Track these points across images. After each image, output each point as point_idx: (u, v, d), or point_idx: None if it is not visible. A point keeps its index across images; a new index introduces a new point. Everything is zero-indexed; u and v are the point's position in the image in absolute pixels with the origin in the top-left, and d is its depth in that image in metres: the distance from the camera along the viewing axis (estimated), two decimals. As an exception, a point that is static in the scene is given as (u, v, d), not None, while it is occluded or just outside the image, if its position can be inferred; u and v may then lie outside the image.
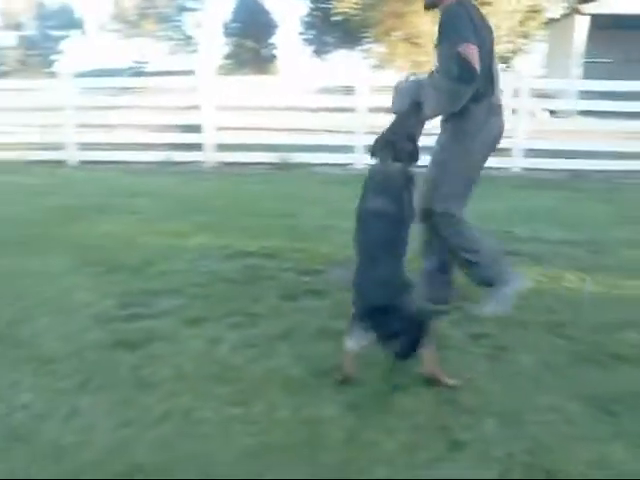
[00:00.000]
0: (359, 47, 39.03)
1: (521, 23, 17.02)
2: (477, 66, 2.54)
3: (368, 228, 2.39)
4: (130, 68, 30.21)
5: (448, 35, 2.69)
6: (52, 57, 37.61)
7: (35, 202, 5.74)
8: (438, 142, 2.93)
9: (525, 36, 18.13)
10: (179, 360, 2.45)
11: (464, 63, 2.55)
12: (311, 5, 38.34)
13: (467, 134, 2.79)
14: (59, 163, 8.72)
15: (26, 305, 3.04)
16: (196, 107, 9.42)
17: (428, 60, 21.01)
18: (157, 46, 44.34)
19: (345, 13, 34.61)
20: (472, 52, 2.55)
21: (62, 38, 41.27)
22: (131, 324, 2.80)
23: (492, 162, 3.10)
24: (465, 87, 2.59)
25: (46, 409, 2.10)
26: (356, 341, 2.23)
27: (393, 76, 11.84)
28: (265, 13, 43.35)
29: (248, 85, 12.52)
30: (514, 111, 8.09)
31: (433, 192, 2.83)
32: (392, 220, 2.34)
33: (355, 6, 33.82)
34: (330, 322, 2.83)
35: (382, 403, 2.17)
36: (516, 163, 8.11)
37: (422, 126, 2.60)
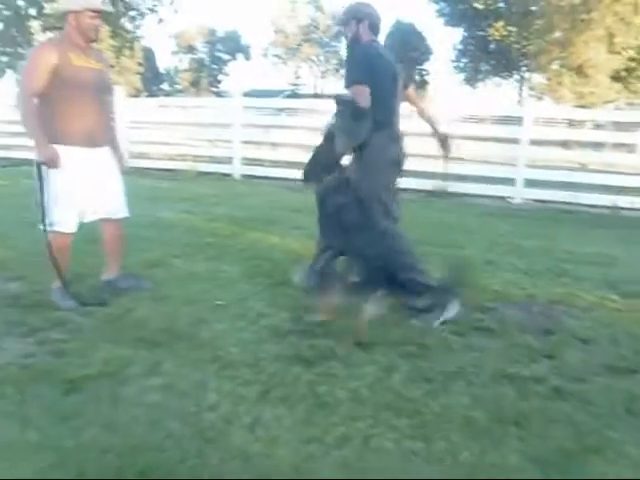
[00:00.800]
0: (514, 76, 38.03)
1: None
2: (366, 104, 2.96)
3: None
4: (286, 90, 31.89)
5: (347, 73, 3.17)
6: (219, 78, 41.17)
7: (206, 210, 6.18)
8: (350, 168, 3.22)
9: None
10: (355, 384, 2.43)
11: (354, 103, 2.98)
12: (465, 33, 38.03)
13: (369, 160, 3.14)
14: (225, 176, 9.36)
15: (201, 308, 3.21)
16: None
17: (594, 92, 19.89)
18: (313, 70, 46.40)
19: (502, 41, 33.90)
20: (362, 92, 2.98)
21: (229, 61, 44.93)
22: (305, 340, 2.84)
23: None
24: (358, 124, 2.98)
25: (231, 414, 2.18)
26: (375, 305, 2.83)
27: (553, 107, 11.09)
28: (420, 39, 43.62)
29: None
30: None
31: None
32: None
33: (514, 34, 32.98)
34: (506, 365, 2.67)
35: (572, 462, 1.98)
36: None
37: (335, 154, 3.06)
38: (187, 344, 2.73)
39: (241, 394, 2.32)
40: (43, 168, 3.01)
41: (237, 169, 9.58)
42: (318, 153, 3.17)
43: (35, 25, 22.38)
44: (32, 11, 22.30)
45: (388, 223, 3.20)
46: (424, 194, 8.17)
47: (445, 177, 8.17)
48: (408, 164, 8.57)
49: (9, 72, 23.30)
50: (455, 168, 8.65)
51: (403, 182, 8.17)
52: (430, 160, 8.84)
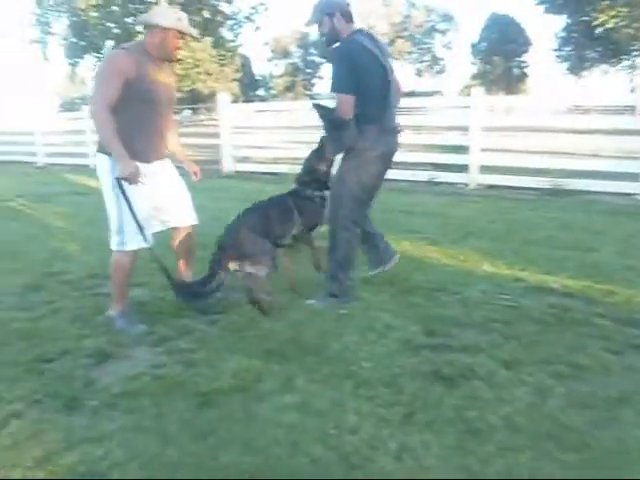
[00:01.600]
0: (624, 62, 35.30)
1: None
2: (348, 114, 2.99)
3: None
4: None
5: (332, 79, 3.09)
6: (313, 81, 41.77)
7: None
8: (341, 159, 3.27)
9: None
10: (506, 409, 2.17)
11: (334, 116, 3.04)
12: (569, 20, 35.79)
13: (359, 151, 3.12)
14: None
15: (325, 318, 3.06)
16: (459, 128, 9.27)
17: None
18: (405, 68, 45.74)
19: (611, 26, 31.54)
20: (344, 103, 2.99)
21: (322, 64, 45.36)
22: (441, 355, 2.62)
23: None
24: (343, 133, 3.06)
25: (375, 438, 2.00)
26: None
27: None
28: (518, 31, 41.70)
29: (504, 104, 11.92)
30: None
31: (335, 201, 3.25)
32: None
33: (625, 17, 30.56)
34: (681, 391, 2.29)
35: None
36: None
37: (325, 161, 3.40)
38: (317, 357, 2.59)
39: (382, 416, 2.14)
40: (122, 184, 2.84)
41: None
42: (309, 162, 3.44)
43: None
44: (140, 28, 23.61)
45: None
46: (539, 192, 7.62)
47: (562, 174, 7.63)
48: (520, 161, 8.27)
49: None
50: (571, 164, 8.07)
51: (519, 180, 7.92)
52: (545, 157, 8.39)
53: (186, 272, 3.45)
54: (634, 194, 7.36)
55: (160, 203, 3.16)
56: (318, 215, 3.40)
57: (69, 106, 39.66)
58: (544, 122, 9.09)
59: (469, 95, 8.69)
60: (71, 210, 6.90)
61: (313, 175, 3.40)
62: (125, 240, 2.96)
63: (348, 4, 3.22)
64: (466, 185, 8.29)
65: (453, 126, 9.42)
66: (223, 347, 2.70)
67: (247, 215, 3.30)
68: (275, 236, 3.26)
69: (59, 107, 40.45)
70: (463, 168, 8.39)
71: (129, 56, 2.89)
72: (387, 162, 3.28)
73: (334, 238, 3.30)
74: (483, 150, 8.21)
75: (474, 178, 8.23)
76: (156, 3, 22.18)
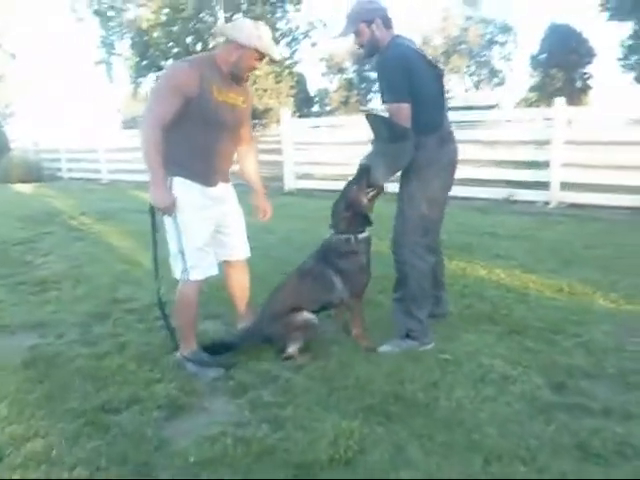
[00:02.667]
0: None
1: None
2: (407, 124, 2.61)
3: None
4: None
5: (382, 89, 2.73)
6: (368, 97, 41.48)
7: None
8: (400, 178, 2.86)
9: None
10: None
11: (394, 125, 2.62)
12: (636, 26, 34.11)
13: (422, 165, 2.74)
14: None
15: (426, 365, 2.62)
16: (536, 142, 8.65)
17: None
18: (462, 81, 44.87)
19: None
20: (402, 112, 2.62)
21: (377, 80, 45.09)
22: (581, 421, 2.12)
23: None
24: (402, 144, 2.63)
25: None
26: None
27: None
28: (579, 41, 40.14)
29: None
30: None
31: (402, 226, 2.83)
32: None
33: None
34: None
35: None
36: None
37: (372, 190, 2.80)
38: (427, 419, 2.14)
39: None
40: (157, 212, 2.59)
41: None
42: (348, 195, 2.84)
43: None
44: (198, 47, 23.99)
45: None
46: (630, 212, 6.92)
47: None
48: (607, 177, 7.57)
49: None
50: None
51: (607, 198, 7.24)
52: (634, 172, 7.66)
53: (248, 315, 3.09)
54: None
55: (224, 232, 2.83)
56: (366, 271, 2.87)
57: (131, 124, 40.87)
58: (625, 136, 8.29)
59: (526, 107, 8.09)
60: (136, 228, 6.68)
61: (355, 212, 2.81)
62: (188, 267, 2.62)
63: (387, 9, 2.81)
64: (547, 203, 7.67)
65: (530, 140, 8.79)
66: (314, 402, 2.29)
67: (273, 300, 2.90)
68: (311, 309, 2.81)
69: (122, 124, 41.71)
70: (543, 185, 7.78)
71: (192, 70, 2.54)
72: (452, 172, 2.91)
73: (404, 269, 2.84)
74: (564, 165, 7.59)
75: (555, 196, 7.60)
76: (215, 22, 22.51)
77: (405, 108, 2.62)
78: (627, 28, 34.46)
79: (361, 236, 2.84)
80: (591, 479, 1.78)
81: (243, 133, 2.88)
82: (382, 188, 2.86)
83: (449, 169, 2.87)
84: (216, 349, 2.80)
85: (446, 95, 2.92)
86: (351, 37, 2.85)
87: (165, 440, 2.06)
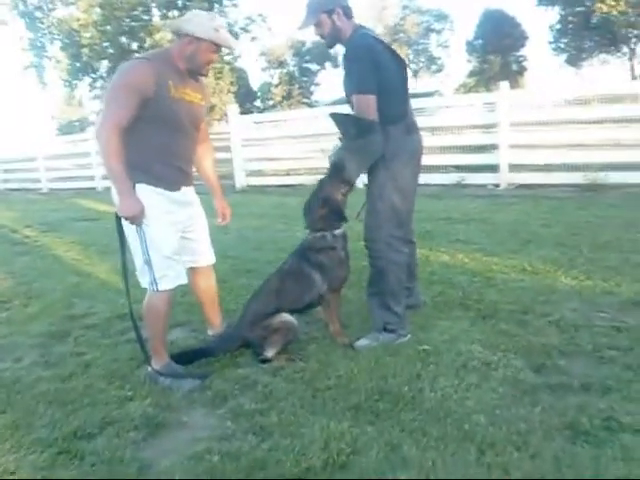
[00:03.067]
0: (623, 50, 34.86)
1: None
2: (374, 116, 2.58)
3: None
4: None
5: (350, 79, 2.69)
6: (311, 89, 41.42)
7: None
8: (368, 171, 2.79)
9: None
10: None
11: (361, 120, 2.59)
12: (562, 12, 35.40)
13: (391, 156, 2.69)
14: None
15: (405, 357, 2.59)
16: (484, 126, 8.83)
17: None
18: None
19: (607, 13, 31.12)
20: (369, 104, 2.58)
21: (318, 71, 45.00)
22: (565, 399, 2.14)
23: None
24: (371, 138, 2.60)
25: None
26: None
27: None
28: (513, 25, 41.28)
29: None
30: None
31: (375, 219, 2.76)
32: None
33: (620, 4, 30.17)
34: None
35: None
36: None
37: (346, 186, 2.74)
38: (416, 413, 2.11)
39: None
40: (124, 222, 2.43)
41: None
42: (323, 192, 2.77)
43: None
44: (134, 46, 23.24)
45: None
46: (578, 189, 7.15)
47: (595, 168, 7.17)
48: (553, 156, 7.79)
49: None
50: (605, 156, 7.60)
51: (555, 177, 7.44)
52: (581, 151, 7.90)
53: (219, 323, 2.99)
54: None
55: (189, 237, 2.71)
56: (345, 265, 2.83)
57: (67, 129, 39.35)
58: (567, 115, 8.51)
59: (465, 93, 8.28)
60: (84, 238, 6.44)
61: (329, 209, 2.75)
62: (156, 277, 2.48)
63: None
64: (497, 186, 7.83)
65: (477, 124, 8.96)
66: (298, 405, 2.21)
67: (254, 302, 2.80)
68: (295, 309, 2.76)
69: (57, 131, 40.14)
70: (492, 168, 7.94)
71: (147, 67, 2.40)
72: (419, 161, 2.89)
73: (380, 264, 2.80)
74: (512, 147, 7.76)
75: (505, 178, 7.77)
76: (150, 20, 21.87)
77: (372, 99, 2.58)
78: (555, 13, 35.84)
79: (337, 232, 2.79)
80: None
81: (201, 132, 2.77)
82: (354, 183, 2.81)
83: (416, 158, 2.85)
84: (190, 358, 2.69)
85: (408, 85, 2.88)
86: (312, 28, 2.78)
87: (147, 462, 1.94)
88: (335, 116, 2.74)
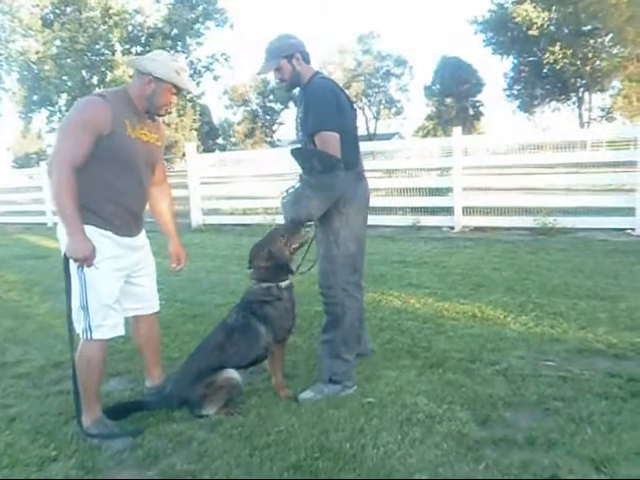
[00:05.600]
0: (572, 99, 36.66)
1: None
2: (337, 153, 2.55)
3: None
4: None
5: (313, 117, 2.64)
6: (274, 128, 41.86)
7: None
8: (321, 218, 2.68)
9: None
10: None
11: (325, 155, 2.55)
12: (515, 60, 37.19)
13: (344, 202, 2.67)
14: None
15: (349, 411, 2.51)
16: (439, 169, 9.02)
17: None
18: (363, 112, 46.40)
19: (556, 63, 32.83)
20: (332, 141, 2.56)
21: (282, 110, 45.58)
22: (509, 455, 2.09)
23: None
24: (335, 174, 2.55)
25: None
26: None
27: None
28: (470, 72, 42.98)
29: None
30: None
31: (331, 265, 2.71)
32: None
33: (568, 55, 31.89)
34: None
35: None
36: None
37: (298, 239, 2.71)
38: (357, 473, 2.02)
39: None
40: (72, 263, 2.29)
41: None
42: (271, 245, 2.69)
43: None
44: (94, 80, 23.08)
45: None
46: (530, 232, 7.32)
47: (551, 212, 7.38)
48: (510, 200, 7.97)
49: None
50: (556, 201, 7.83)
51: (509, 221, 7.60)
52: (533, 195, 8.14)
53: (158, 374, 2.86)
54: (630, 229, 7.13)
55: (134, 282, 2.59)
56: (291, 316, 2.74)
57: (23, 162, 38.50)
58: (519, 159, 8.78)
59: (424, 135, 8.51)
60: (27, 277, 6.17)
61: (275, 263, 2.68)
62: (92, 325, 2.34)
63: (304, 43, 2.80)
64: (451, 228, 7.95)
65: (433, 167, 9.15)
66: (234, 465, 2.09)
67: (196, 359, 2.65)
68: (240, 365, 2.64)
69: (12, 163, 39.21)
70: (447, 210, 8.08)
71: (104, 105, 2.33)
72: (367, 208, 2.89)
73: (336, 311, 2.73)
74: (465, 190, 7.93)
75: (459, 220, 7.90)
76: (113, 55, 21.81)
77: (335, 137, 2.57)
78: (509, 62, 37.65)
79: (283, 284, 2.71)
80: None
81: (157, 173, 2.69)
82: (306, 239, 2.76)
83: (366, 204, 2.85)
84: (124, 412, 2.54)
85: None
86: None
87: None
88: (299, 151, 2.69)
